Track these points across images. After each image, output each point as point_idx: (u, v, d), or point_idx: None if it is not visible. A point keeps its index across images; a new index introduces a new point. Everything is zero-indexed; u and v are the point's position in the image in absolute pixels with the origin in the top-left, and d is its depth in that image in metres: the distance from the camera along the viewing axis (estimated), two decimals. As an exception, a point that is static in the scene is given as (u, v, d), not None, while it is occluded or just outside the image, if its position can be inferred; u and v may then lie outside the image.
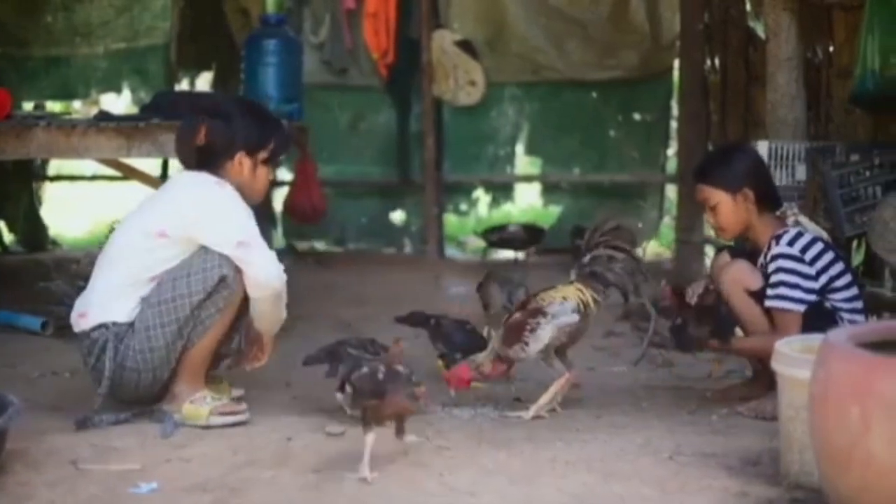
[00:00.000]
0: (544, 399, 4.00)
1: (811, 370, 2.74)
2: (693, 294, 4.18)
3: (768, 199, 4.15)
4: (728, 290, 4.06)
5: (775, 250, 4.01)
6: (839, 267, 4.03)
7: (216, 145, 3.94)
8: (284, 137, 4.12)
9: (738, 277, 4.07)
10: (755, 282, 4.05)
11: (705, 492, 3.16)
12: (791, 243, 4.00)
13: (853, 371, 2.57)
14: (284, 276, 3.89)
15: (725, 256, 4.22)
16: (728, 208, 4.12)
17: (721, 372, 4.67)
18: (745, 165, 4.15)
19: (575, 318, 3.98)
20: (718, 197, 4.12)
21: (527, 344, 3.97)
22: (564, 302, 3.98)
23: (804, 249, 3.99)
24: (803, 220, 4.13)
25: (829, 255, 4.02)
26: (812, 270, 3.98)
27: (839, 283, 4.01)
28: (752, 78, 6.67)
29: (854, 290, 4.05)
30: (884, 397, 2.49)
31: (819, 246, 4.02)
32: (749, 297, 4.05)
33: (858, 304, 4.05)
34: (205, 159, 3.95)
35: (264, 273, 3.83)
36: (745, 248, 4.21)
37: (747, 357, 4.37)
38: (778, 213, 4.16)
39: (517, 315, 4.03)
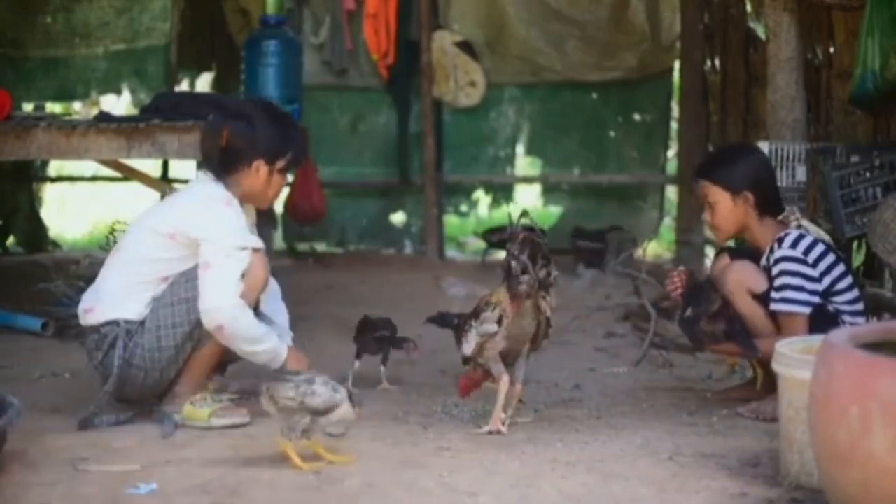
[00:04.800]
0: (497, 410, 3.78)
1: (812, 371, 2.74)
2: (670, 283, 4.15)
3: (770, 204, 4.11)
4: (732, 291, 4.03)
5: (778, 253, 3.99)
6: (841, 269, 4.02)
7: (236, 150, 3.92)
8: (302, 146, 4.09)
9: (742, 279, 4.04)
10: (760, 283, 4.02)
11: (704, 492, 3.16)
12: (794, 245, 3.99)
13: (853, 372, 2.57)
14: (234, 316, 3.74)
15: (726, 258, 4.20)
16: (726, 208, 4.09)
17: (727, 372, 4.66)
18: (750, 168, 4.11)
19: (493, 328, 3.74)
20: (718, 195, 4.09)
21: (462, 343, 3.84)
22: (495, 309, 3.75)
23: (807, 251, 3.98)
24: (805, 223, 4.11)
25: (830, 258, 4.01)
26: (815, 272, 3.97)
27: (841, 285, 4.00)
28: (753, 79, 6.67)
29: (855, 293, 4.04)
30: (884, 397, 2.49)
31: (821, 248, 4.01)
32: (753, 299, 4.02)
33: (860, 307, 4.04)
34: (224, 161, 3.94)
35: (209, 302, 3.75)
36: (747, 250, 4.19)
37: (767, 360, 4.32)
38: (781, 217, 4.12)
39: (467, 313, 3.89)
